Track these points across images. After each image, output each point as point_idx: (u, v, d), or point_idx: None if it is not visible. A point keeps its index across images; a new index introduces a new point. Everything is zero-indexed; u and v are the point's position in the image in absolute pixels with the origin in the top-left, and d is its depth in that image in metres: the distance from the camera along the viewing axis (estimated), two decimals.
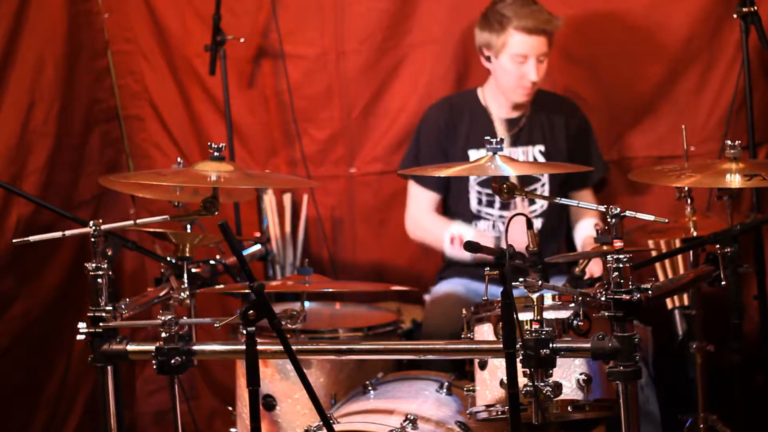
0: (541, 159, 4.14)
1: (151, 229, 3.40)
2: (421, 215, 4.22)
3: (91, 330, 2.84)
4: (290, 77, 4.49)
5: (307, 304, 3.66)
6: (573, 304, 2.88)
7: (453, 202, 4.22)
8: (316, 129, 4.54)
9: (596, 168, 4.16)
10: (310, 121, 4.54)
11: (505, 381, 2.69)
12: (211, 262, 3.57)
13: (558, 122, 4.17)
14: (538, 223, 4.13)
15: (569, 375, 2.92)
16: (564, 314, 2.89)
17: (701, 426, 3.58)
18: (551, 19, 3.99)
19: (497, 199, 4.07)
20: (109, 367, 2.87)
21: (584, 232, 4.14)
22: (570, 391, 2.91)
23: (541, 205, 4.14)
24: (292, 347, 2.65)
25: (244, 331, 2.61)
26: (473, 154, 4.12)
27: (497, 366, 2.97)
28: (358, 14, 4.45)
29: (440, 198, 4.23)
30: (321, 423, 2.83)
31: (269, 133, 4.57)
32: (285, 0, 4.46)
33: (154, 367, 2.81)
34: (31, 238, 2.94)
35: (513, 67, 4.01)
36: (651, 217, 2.78)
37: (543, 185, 4.15)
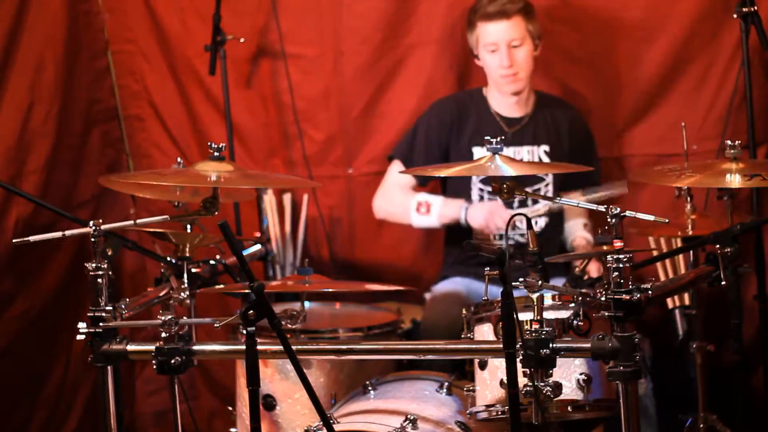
0: (546, 159, 4.13)
1: (151, 229, 3.39)
2: (393, 191, 4.22)
3: (91, 330, 2.83)
4: (290, 77, 4.49)
5: (307, 304, 3.66)
6: (573, 304, 2.88)
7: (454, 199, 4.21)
8: (314, 130, 4.54)
9: (594, 176, 4.14)
10: (308, 121, 4.53)
11: (505, 381, 2.69)
12: (211, 262, 3.57)
13: (562, 125, 4.17)
14: (541, 222, 4.13)
15: (569, 375, 2.92)
16: (564, 314, 2.89)
17: (701, 426, 3.58)
18: (509, 1, 4.01)
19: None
20: (109, 367, 2.86)
21: (573, 230, 4.15)
22: (570, 391, 2.91)
23: (544, 204, 4.14)
24: (292, 347, 2.65)
25: (244, 331, 2.61)
26: (477, 151, 4.12)
27: (497, 366, 2.97)
28: (357, 14, 4.43)
29: (418, 185, 4.22)
30: (321, 423, 2.83)
31: (268, 134, 4.57)
32: (284, 0, 4.46)
33: (154, 367, 2.81)
34: (31, 238, 2.94)
35: (491, 58, 4.05)
36: (651, 217, 2.78)
37: (547, 185, 4.14)
